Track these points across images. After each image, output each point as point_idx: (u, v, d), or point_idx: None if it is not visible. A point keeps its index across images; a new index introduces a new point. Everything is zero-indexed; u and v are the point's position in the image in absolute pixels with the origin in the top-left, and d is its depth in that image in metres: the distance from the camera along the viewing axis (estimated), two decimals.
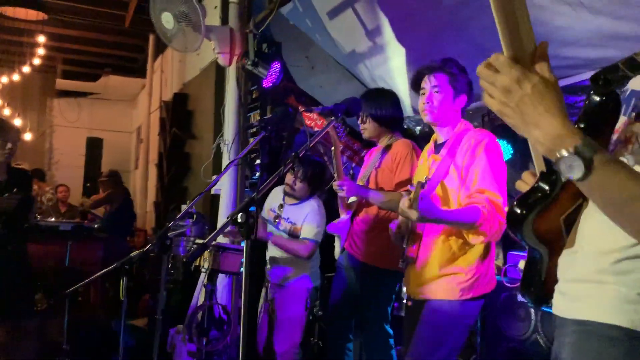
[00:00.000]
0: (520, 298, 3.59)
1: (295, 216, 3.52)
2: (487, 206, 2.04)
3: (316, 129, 5.32)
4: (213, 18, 5.38)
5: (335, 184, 2.87)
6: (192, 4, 3.94)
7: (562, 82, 3.97)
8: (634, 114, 1.00)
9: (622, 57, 1.18)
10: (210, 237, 1.70)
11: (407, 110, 5.01)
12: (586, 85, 3.85)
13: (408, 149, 2.95)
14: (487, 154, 2.14)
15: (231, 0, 4.74)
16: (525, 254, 3.49)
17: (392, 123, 3.07)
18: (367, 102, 2.93)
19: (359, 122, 3.04)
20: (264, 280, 3.63)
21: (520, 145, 4.14)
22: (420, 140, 4.51)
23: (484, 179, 2.10)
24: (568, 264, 1.10)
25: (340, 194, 2.89)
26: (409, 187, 2.02)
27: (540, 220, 1.05)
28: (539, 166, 1.09)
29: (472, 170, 2.13)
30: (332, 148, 2.88)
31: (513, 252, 3.70)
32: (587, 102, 1.00)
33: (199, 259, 3.08)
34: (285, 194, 3.52)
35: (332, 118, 2.25)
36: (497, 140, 2.28)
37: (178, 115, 7.75)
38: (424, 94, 2.29)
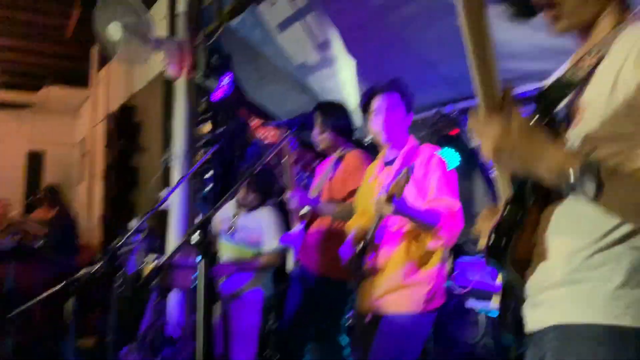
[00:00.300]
0: (469, 304, 3.69)
1: (251, 224, 3.53)
2: (446, 212, 2.13)
3: (268, 140, 5.32)
4: (160, 29, 5.30)
5: (286, 196, 2.88)
6: (143, 15, 3.87)
7: None
8: (564, 124, 1.07)
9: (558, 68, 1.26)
10: (165, 258, 1.66)
11: (357, 121, 5.08)
12: (527, 96, 4.02)
13: (360, 160, 2.99)
14: (441, 167, 2.25)
15: (179, 11, 4.69)
16: (474, 260, 3.59)
17: (348, 133, 3.12)
18: (325, 113, 2.96)
19: (317, 133, 3.06)
20: (217, 293, 3.58)
21: (466, 155, 4.27)
22: (369, 149, 4.59)
23: (441, 188, 2.20)
24: (538, 276, 1.08)
25: (292, 205, 2.91)
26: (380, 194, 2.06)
27: (517, 246, 1.07)
28: (504, 192, 1.12)
29: (428, 181, 2.21)
30: (284, 160, 2.89)
31: (462, 260, 3.81)
32: (532, 121, 1.07)
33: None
34: (238, 203, 3.52)
35: (287, 132, 2.26)
36: (446, 148, 2.40)
37: (125, 127, 7.56)
38: (377, 114, 2.33)
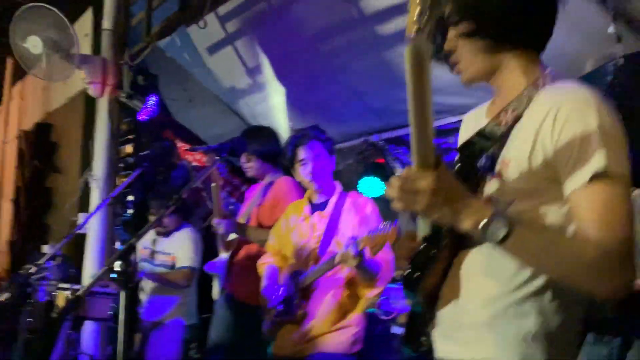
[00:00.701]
0: (394, 330, 3.74)
1: (170, 247, 3.48)
2: (383, 262, 2.17)
3: (194, 164, 5.21)
4: (84, 46, 5.10)
5: (213, 222, 2.82)
6: (67, 31, 3.72)
7: None
8: (486, 174, 1.15)
9: (478, 105, 1.34)
10: (83, 289, 1.56)
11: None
12: (449, 128, 4.21)
13: (290, 187, 2.98)
14: (375, 215, 2.31)
15: (105, 28, 4.54)
16: (398, 286, 3.65)
17: (276, 159, 3.10)
18: (251, 140, 2.93)
19: (244, 160, 3.02)
20: (137, 323, 3.43)
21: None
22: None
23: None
24: (453, 312, 1.16)
25: (219, 231, 2.85)
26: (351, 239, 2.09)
27: (428, 280, 1.16)
28: (423, 229, 1.18)
29: (363, 229, 2.21)
30: (212, 185, 2.83)
31: (388, 285, 3.86)
32: (456, 171, 1.16)
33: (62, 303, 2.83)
34: (156, 229, 3.45)
35: (217, 158, 2.22)
36: (371, 176, 2.44)
37: (40, 146, 7.15)
38: (304, 164, 2.37)
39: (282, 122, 5.04)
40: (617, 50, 2.59)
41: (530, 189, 1.07)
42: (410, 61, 0.89)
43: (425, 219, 1.16)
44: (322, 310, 2.27)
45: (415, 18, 0.91)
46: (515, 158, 1.08)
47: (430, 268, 1.15)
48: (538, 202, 1.07)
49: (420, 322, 1.22)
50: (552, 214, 1.07)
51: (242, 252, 3.03)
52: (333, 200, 2.39)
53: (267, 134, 3.11)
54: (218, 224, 2.78)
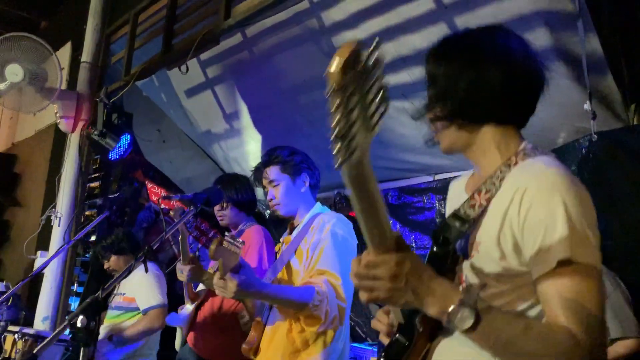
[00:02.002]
0: None
1: (124, 287, 3.32)
2: (325, 288, 1.97)
3: (162, 206, 5.08)
4: (58, 79, 5.02)
5: (178, 267, 2.71)
6: (52, 64, 3.64)
7: (402, 183, 4.34)
8: (461, 255, 1.15)
9: (453, 165, 1.34)
10: (39, 347, 1.45)
11: (259, 193, 5.04)
12: (422, 187, 4.25)
13: (259, 236, 2.91)
14: (333, 234, 2.08)
15: (83, 60, 4.48)
16: (367, 346, 3.55)
17: (250, 207, 3.04)
18: (226, 188, 2.86)
19: (218, 209, 2.95)
20: None
21: None
22: (269, 224, 4.54)
23: (326, 259, 2.04)
24: None
25: (183, 279, 2.73)
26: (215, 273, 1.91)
27: None
28: (396, 316, 1.16)
29: (316, 249, 2.07)
30: (180, 237, 2.71)
31: (355, 344, 3.78)
32: (430, 255, 1.14)
33: (10, 349, 2.65)
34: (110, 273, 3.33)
35: (192, 208, 2.15)
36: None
37: (1, 177, 6.89)
38: (266, 191, 2.31)
39: None
40: (591, 126, 2.67)
41: (502, 271, 1.05)
42: (351, 185, 0.86)
43: (391, 306, 1.15)
44: (272, 348, 2.09)
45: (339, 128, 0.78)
46: (485, 241, 1.07)
47: (403, 358, 1.11)
48: (512, 285, 1.04)
49: None
50: (526, 300, 1.04)
51: (207, 305, 2.92)
52: (303, 222, 2.24)
53: (242, 182, 3.05)
54: (182, 270, 2.66)
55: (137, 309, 3.27)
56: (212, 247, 1.82)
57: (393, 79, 3.42)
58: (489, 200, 1.09)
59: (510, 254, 1.03)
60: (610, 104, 2.89)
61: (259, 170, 2.33)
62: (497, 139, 1.14)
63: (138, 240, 3.58)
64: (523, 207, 1.00)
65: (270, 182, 2.25)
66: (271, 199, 2.26)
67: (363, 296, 0.98)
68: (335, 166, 0.80)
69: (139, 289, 3.28)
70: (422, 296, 0.97)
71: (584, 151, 2.80)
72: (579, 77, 2.73)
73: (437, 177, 4.08)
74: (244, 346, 2.20)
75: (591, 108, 2.59)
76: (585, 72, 2.61)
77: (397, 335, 1.13)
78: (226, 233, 2.38)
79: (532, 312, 1.03)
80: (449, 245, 1.13)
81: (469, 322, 0.94)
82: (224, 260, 1.83)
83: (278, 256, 2.34)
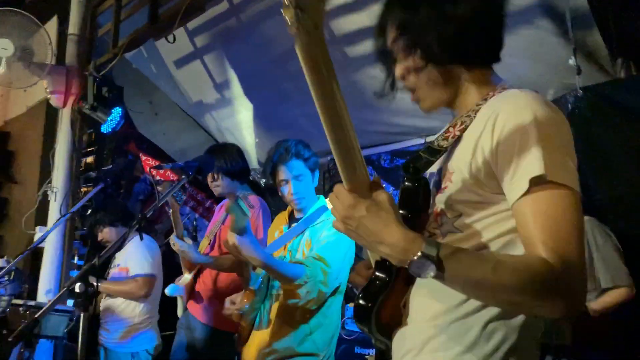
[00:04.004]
0: (357, 350, 3.73)
1: (120, 258, 3.40)
2: (313, 271, 2.06)
3: (158, 178, 5.12)
4: (46, 54, 4.98)
5: (171, 239, 2.75)
6: (40, 39, 3.61)
7: (394, 147, 4.37)
8: (434, 188, 1.13)
9: (443, 127, 1.37)
10: (40, 312, 1.50)
11: (253, 162, 5.07)
12: (413, 150, 4.28)
13: (255, 206, 2.95)
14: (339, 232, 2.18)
15: (71, 33, 4.44)
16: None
17: (243, 175, 3.06)
18: (216, 158, 2.88)
19: (211, 179, 2.97)
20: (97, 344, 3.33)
21: None
22: (265, 192, 4.58)
23: (326, 248, 2.13)
24: (402, 337, 1.12)
25: (176, 249, 2.77)
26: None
27: (383, 310, 1.10)
28: (372, 256, 1.16)
29: (320, 238, 2.18)
30: (171, 211, 2.73)
31: (351, 305, 3.86)
32: (402, 187, 1.12)
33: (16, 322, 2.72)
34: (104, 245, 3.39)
35: (183, 176, 2.17)
36: None
37: None
38: (285, 185, 2.30)
39: (248, 138, 5.02)
40: (577, 81, 2.69)
41: (476, 199, 1.03)
42: (304, 61, 0.86)
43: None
44: (272, 320, 2.20)
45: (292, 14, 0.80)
46: (458, 169, 1.05)
47: (383, 298, 1.09)
48: (487, 212, 1.03)
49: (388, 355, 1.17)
50: (503, 225, 1.02)
51: (206, 273, 2.98)
52: (308, 213, 2.31)
53: (232, 151, 3.06)
54: (173, 243, 2.71)
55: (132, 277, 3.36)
56: (229, 202, 1.92)
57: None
58: (463, 131, 1.07)
59: (484, 181, 1.01)
60: (597, 59, 2.90)
61: (279, 161, 2.29)
62: (477, 82, 1.13)
63: (131, 212, 3.62)
64: (495, 131, 0.99)
65: (296, 176, 2.27)
66: (295, 192, 2.27)
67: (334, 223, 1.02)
68: (290, 32, 0.81)
69: (132, 257, 3.37)
70: (373, 244, 0.97)
71: (570, 107, 2.82)
72: (565, 33, 2.73)
73: (429, 139, 4.10)
74: (237, 311, 2.27)
75: (576, 63, 2.60)
76: (569, 27, 2.62)
77: (376, 273, 1.11)
78: (239, 195, 2.41)
79: (509, 237, 1.01)
80: (418, 174, 1.11)
81: (431, 273, 0.91)
82: (236, 217, 1.92)
83: (276, 237, 2.39)
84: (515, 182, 0.95)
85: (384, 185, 4.35)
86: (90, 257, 4.32)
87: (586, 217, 2.68)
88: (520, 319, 1.02)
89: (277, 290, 2.25)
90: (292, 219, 2.41)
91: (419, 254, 0.91)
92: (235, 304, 2.27)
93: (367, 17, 3.27)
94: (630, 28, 2.82)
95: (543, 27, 2.77)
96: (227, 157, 2.95)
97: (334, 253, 2.13)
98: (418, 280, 1.10)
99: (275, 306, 2.23)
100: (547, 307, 0.91)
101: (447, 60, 1.10)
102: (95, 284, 1.53)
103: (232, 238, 1.94)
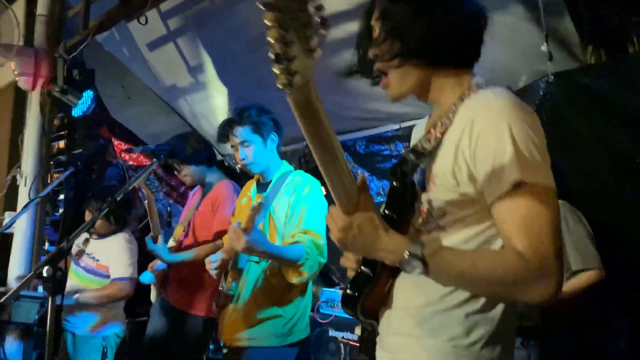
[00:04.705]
0: (331, 333, 3.77)
1: (99, 252, 3.31)
2: (310, 246, 2.12)
3: (131, 163, 5.05)
4: (15, 35, 4.84)
5: (150, 237, 2.71)
6: (7, 20, 3.50)
7: (369, 132, 4.38)
8: (420, 188, 1.20)
9: (418, 113, 1.37)
10: (7, 296, 1.47)
11: (228, 148, 5.02)
12: (389, 136, 4.29)
13: (229, 191, 2.93)
14: (313, 195, 2.24)
15: (39, 13, 4.32)
16: (337, 290, 3.67)
17: (208, 160, 3.04)
18: (183, 148, 2.83)
19: (179, 171, 2.95)
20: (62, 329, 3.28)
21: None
22: (241, 177, 4.55)
23: (309, 219, 2.18)
24: (388, 320, 1.22)
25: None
26: (234, 223, 2.00)
27: (368, 299, 1.20)
28: None
29: (298, 209, 2.20)
30: (146, 201, 2.68)
31: (326, 289, 3.89)
32: (390, 189, 1.19)
33: None
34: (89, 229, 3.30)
35: (154, 160, 2.15)
36: (315, 180, 2.35)
37: None
38: (236, 150, 2.32)
39: None
40: (549, 67, 2.72)
41: (460, 198, 1.09)
42: (298, 112, 0.88)
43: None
44: (251, 295, 2.23)
45: (282, 61, 0.78)
46: (441, 172, 1.11)
47: (369, 288, 1.18)
48: (471, 210, 1.09)
49: (370, 339, 1.27)
50: (485, 221, 1.09)
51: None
52: (273, 180, 2.35)
53: (191, 139, 3.02)
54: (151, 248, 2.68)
55: (109, 277, 3.31)
56: (252, 212, 1.96)
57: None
58: (443, 134, 1.12)
59: (466, 183, 1.07)
60: (568, 45, 2.94)
61: (227, 127, 2.34)
62: (452, 79, 1.16)
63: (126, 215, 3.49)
64: (473, 137, 1.04)
65: (242, 142, 2.28)
66: (243, 158, 2.29)
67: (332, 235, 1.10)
68: (280, 88, 0.81)
69: (113, 258, 3.30)
70: (373, 251, 1.07)
71: (541, 92, 2.85)
72: (538, 20, 2.76)
73: (403, 124, 4.12)
74: (223, 291, 2.28)
75: (548, 49, 2.63)
76: (541, 14, 2.64)
77: (362, 267, 1.19)
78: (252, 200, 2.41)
79: (490, 233, 1.09)
80: (405, 177, 1.17)
81: (419, 270, 1.02)
82: (253, 218, 1.97)
83: (243, 205, 2.39)
84: (495, 185, 1.02)
85: (360, 170, 4.37)
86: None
87: (560, 201, 2.73)
88: (498, 311, 1.11)
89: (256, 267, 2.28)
90: (259, 185, 2.42)
91: (406, 254, 1.02)
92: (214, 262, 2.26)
93: (344, 0, 3.25)
94: (600, 15, 2.87)
95: (516, 14, 2.79)
96: (185, 145, 2.91)
97: (318, 222, 2.20)
98: (400, 280, 1.19)
99: (253, 280, 2.26)
100: (525, 295, 1.01)
101: (422, 58, 1.13)
102: (63, 269, 1.51)
103: (244, 238, 1.95)
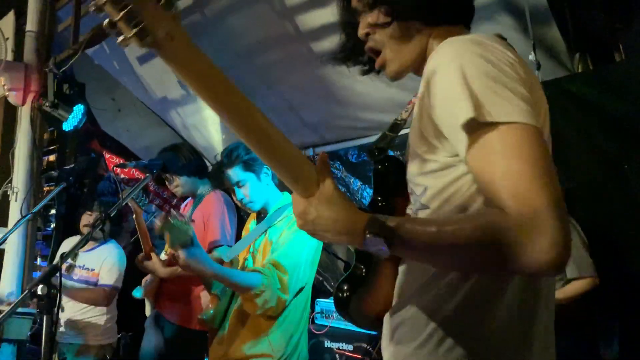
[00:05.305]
0: (327, 344, 3.76)
1: (91, 262, 3.34)
2: (271, 279, 2.02)
3: (122, 176, 5.04)
4: (2, 50, 4.82)
5: (140, 259, 2.68)
6: None
7: (361, 141, 4.39)
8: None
9: (410, 121, 1.35)
10: (2, 316, 1.46)
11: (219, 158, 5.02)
12: None
13: (219, 203, 2.92)
14: (298, 232, 2.12)
15: (28, 30, 4.31)
16: (331, 301, 3.66)
17: (199, 171, 3.03)
18: (173, 159, 2.82)
19: (168, 184, 2.95)
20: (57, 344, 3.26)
21: None
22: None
23: (284, 254, 2.10)
24: (386, 326, 1.08)
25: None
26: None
27: (367, 301, 1.07)
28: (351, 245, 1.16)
29: (279, 241, 2.14)
30: (134, 217, 2.64)
31: (321, 299, 3.89)
32: (373, 172, 1.11)
33: None
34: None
35: (147, 174, 2.14)
36: None
37: None
38: (232, 192, 2.30)
39: (214, 135, 4.98)
40: (537, 76, 2.75)
41: (436, 168, 0.96)
42: (180, 76, 0.80)
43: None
44: (237, 328, 2.15)
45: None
46: (412, 140, 1.00)
47: (362, 288, 1.08)
48: (449, 179, 0.94)
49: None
50: (468, 191, 0.93)
51: None
52: (270, 211, 2.31)
53: (183, 149, 3.02)
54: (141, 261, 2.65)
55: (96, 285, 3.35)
56: (158, 223, 1.84)
57: None
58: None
59: (435, 144, 0.94)
60: (555, 54, 2.98)
61: (219, 172, 2.29)
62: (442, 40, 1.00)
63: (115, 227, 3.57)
64: (432, 90, 0.91)
65: (236, 183, 2.25)
66: (241, 199, 2.26)
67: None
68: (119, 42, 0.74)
69: (106, 266, 3.41)
70: (334, 237, 0.92)
71: None
72: (525, 29, 2.80)
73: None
74: (199, 317, 2.24)
75: (536, 59, 2.67)
76: (529, 23, 2.68)
77: (354, 264, 1.10)
78: (172, 214, 2.36)
79: (478, 203, 0.92)
80: (383, 152, 1.09)
81: (382, 247, 0.85)
82: (171, 236, 1.85)
83: (242, 236, 2.38)
84: (456, 137, 0.87)
85: (352, 180, 4.38)
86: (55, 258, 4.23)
87: None
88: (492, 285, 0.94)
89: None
90: (259, 217, 2.40)
91: (368, 234, 0.86)
92: (205, 314, 2.23)
93: (332, 12, 3.27)
94: (587, 24, 2.91)
95: (503, 23, 2.82)
96: (179, 157, 2.91)
97: (291, 258, 2.09)
98: (400, 268, 1.07)
99: (234, 311, 2.18)
100: (516, 262, 0.77)
101: (413, 15, 1.03)
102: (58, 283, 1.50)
103: (181, 254, 1.88)
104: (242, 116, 0.85)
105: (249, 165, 2.25)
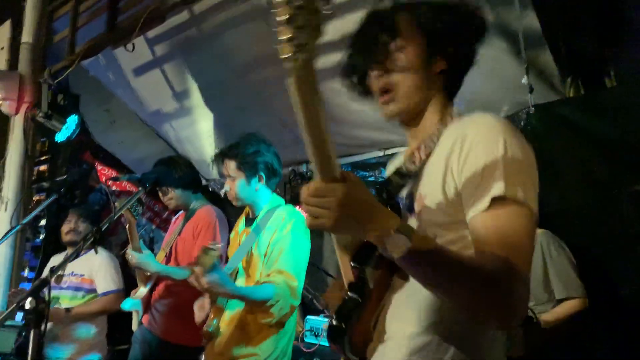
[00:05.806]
0: None
1: (81, 268, 3.31)
2: (282, 287, 2.08)
3: (114, 188, 5.02)
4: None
5: (128, 255, 2.68)
6: None
7: (353, 159, 4.41)
8: (407, 212, 1.17)
9: (403, 140, 1.38)
10: None
11: (213, 173, 5.02)
12: (373, 162, 4.33)
13: (211, 218, 2.91)
14: (294, 234, 2.19)
15: (24, 41, 4.32)
16: (320, 319, 3.63)
17: (194, 185, 3.04)
18: (167, 172, 2.82)
19: (162, 196, 2.95)
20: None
21: None
22: (225, 202, 4.53)
23: (286, 260, 2.14)
24: (381, 354, 1.13)
25: (132, 263, 2.70)
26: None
27: (356, 331, 1.12)
28: (346, 276, 1.19)
29: (276, 247, 2.17)
30: (127, 226, 2.64)
31: (311, 317, 3.86)
32: None
33: None
34: (69, 244, 3.35)
35: (140, 188, 2.14)
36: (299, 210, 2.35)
37: None
38: (226, 182, 2.37)
39: (208, 148, 4.97)
40: (529, 99, 2.79)
41: (450, 221, 1.06)
42: (296, 83, 0.87)
43: (334, 234, 1.18)
44: (228, 333, 2.19)
45: (290, 33, 0.81)
46: (430, 192, 1.09)
47: (355, 318, 1.12)
48: (458, 234, 1.06)
49: None
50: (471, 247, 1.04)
51: (161, 287, 2.92)
52: (259, 216, 2.34)
53: (179, 162, 3.03)
54: (131, 256, 2.65)
55: (95, 290, 3.32)
56: (200, 256, 1.90)
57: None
58: (428, 155, 1.13)
59: (454, 201, 1.05)
60: (548, 77, 3.02)
61: (219, 157, 2.40)
62: (440, 106, 1.20)
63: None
64: (463, 152, 1.04)
65: (228, 174, 2.31)
66: (227, 191, 2.36)
67: (308, 221, 0.97)
68: (283, 59, 0.83)
69: (99, 272, 3.34)
70: (364, 223, 0.95)
71: (522, 124, 2.92)
72: (518, 52, 2.84)
73: (388, 152, 4.17)
74: (204, 329, 2.26)
75: (529, 82, 2.71)
76: (522, 47, 2.72)
77: (349, 294, 1.14)
78: (238, 235, 2.40)
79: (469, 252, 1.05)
80: (392, 199, 1.16)
81: (403, 249, 0.92)
82: (203, 263, 1.91)
83: (238, 244, 2.38)
84: (478, 198, 1.00)
85: None
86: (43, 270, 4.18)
87: (541, 230, 2.77)
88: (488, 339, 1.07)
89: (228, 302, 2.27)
90: (247, 220, 2.43)
91: (394, 229, 0.93)
92: (203, 308, 2.25)
93: (330, 31, 3.31)
94: (579, 48, 2.96)
95: (497, 46, 2.86)
96: (175, 170, 2.91)
97: (295, 263, 2.16)
98: (396, 298, 1.13)
99: (232, 316, 2.23)
100: (490, 308, 0.94)
101: (444, 52, 1.19)
102: (47, 299, 1.48)
103: (203, 279, 1.93)
104: (318, 123, 0.92)
105: (241, 167, 2.31)
